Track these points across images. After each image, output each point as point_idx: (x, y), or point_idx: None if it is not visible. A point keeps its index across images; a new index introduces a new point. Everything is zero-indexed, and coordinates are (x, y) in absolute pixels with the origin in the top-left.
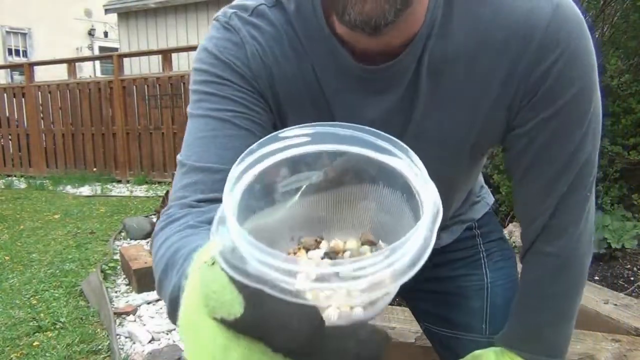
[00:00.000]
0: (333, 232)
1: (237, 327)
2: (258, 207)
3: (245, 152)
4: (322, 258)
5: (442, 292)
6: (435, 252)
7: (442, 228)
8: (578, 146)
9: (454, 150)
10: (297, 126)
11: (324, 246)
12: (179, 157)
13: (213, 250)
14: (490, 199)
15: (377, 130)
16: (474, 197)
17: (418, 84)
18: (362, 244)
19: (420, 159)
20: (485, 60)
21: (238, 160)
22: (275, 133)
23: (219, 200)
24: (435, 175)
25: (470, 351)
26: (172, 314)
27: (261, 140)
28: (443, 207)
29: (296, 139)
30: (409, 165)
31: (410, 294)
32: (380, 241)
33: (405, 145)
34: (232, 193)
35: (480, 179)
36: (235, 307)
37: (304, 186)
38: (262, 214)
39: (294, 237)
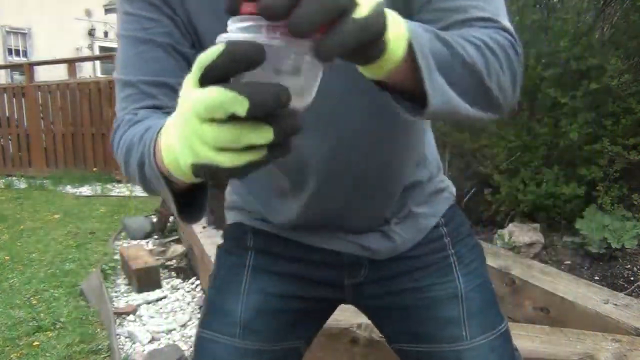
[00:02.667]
0: None
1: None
2: None
3: None
4: None
5: (410, 307)
6: (398, 258)
7: (405, 216)
8: None
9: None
10: None
11: None
12: (114, 74)
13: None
14: (454, 188)
15: None
16: (436, 181)
17: None
18: None
19: (337, 105)
20: None
21: None
22: None
23: (152, 107)
24: (358, 128)
25: None
26: (141, 170)
27: None
28: (384, 172)
29: None
30: None
31: (373, 313)
32: None
33: None
34: None
35: (435, 156)
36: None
37: None
38: None
39: None
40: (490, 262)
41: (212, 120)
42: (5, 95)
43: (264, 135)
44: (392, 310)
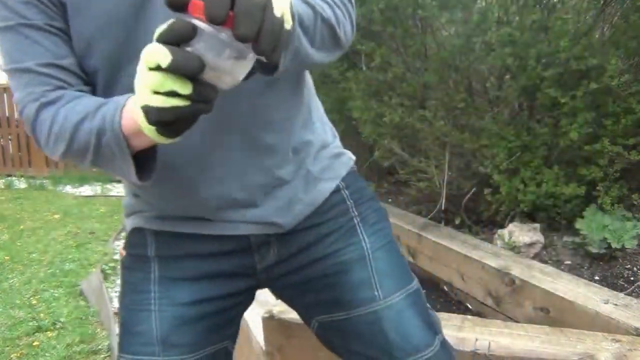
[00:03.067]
0: None
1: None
2: None
3: None
4: None
5: (320, 276)
6: (304, 229)
7: (304, 176)
8: None
9: None
10: None
11: None
12: (4, 67)
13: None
14: (353, 156)
15: None
16: (332, 147)
17: None
18: None
19: None
20: None
21: None
22: None
23: (59, 88)
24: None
25: (371, 324)
26: (98, 139)
27: None
28: (266, 128)
29: None
30: None
31: (286, 293)
32: None
33: None
34: None
35: (328, 125)
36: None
37: None
38: None
39: None
40: (490, 262)
41: (151, 69)
42: (5, 95)
43: (184, 86)
44: (304, 284)
